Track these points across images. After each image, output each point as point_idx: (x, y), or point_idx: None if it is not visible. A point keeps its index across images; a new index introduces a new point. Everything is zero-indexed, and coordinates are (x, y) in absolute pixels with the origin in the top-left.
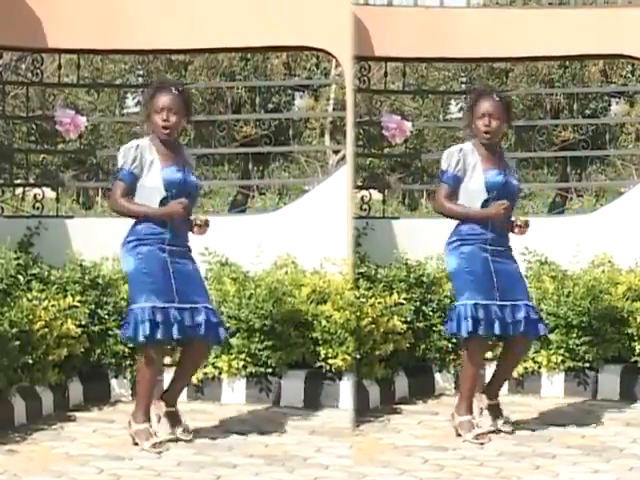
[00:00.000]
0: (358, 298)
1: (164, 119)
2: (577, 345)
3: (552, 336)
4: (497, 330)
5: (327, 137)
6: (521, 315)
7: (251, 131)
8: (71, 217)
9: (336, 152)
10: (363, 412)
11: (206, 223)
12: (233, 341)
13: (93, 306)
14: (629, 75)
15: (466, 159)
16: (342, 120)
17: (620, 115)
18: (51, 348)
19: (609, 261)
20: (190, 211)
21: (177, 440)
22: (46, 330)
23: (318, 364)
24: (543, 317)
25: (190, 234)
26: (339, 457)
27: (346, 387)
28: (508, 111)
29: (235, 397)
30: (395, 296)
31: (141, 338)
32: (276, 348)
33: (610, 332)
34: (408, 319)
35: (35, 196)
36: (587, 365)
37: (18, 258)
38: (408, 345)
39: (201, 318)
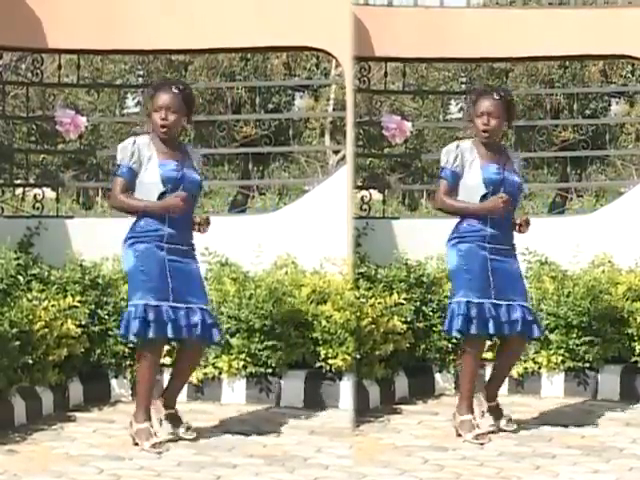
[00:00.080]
0: (358, 298)
1: (162, 117)
2: (577, 345)
3: (552, 336)
4: (491, 329)
5: (327, 137)
6: (517, 315)
7: (251, 131)
8: (71, 217)
9: (336, 152)
10: (363, 412)
11: (207, 221)
12: (233, 341)
13: (93, 306)
14: (629, 75)
15: (464, 155)
16: (342, 120)
17: (620, 115)
18: (51, 348)
19: (609, 261)
20: (192, 207)
21: (177, 440)
22: (46, 330)
23: (318, 364)
24: (543, 317)
25: (196, 234)
26: (339, 457)
27: (346, 387)
28: (509, 110)
29: (235, 397)
30: (395, 296)
31: (131, 336)
32: (276, 348)
33: (610, 332)
34: (408, 319)
35: (35, 196)
36: (587, 365)
37: (18, 258)
38: (408, 345)
39: (197, 319)
